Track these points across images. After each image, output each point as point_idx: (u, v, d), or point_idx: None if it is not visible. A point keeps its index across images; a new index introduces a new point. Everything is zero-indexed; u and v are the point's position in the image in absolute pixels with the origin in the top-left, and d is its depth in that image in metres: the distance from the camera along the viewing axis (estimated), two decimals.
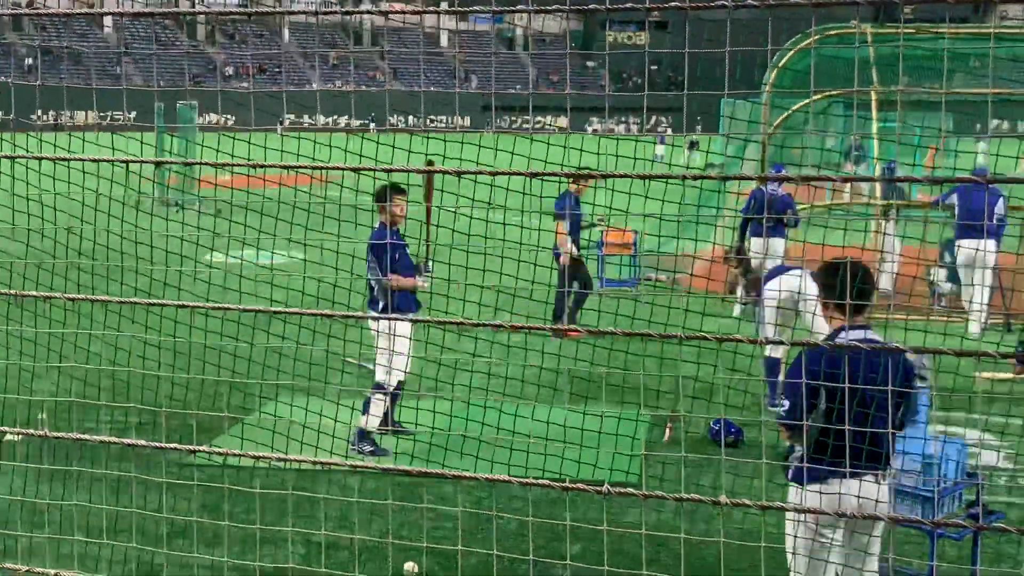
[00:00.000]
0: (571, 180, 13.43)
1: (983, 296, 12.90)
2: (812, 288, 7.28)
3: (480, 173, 4.17)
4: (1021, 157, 13.32)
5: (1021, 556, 6.63)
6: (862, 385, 4.52)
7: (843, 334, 4.89)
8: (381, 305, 8.52)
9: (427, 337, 9.52)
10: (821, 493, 4.76)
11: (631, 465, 8.09)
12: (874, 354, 4.72)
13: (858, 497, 4.76)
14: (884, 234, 14.31)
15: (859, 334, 4.84)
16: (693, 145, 38.54)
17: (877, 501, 4.81)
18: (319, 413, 7.80)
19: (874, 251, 14.11)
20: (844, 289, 4.74)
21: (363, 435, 8.68)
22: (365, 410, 8.67)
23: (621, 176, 3.89)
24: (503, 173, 4.13)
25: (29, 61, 63.11)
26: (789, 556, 5.01)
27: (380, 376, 8.64)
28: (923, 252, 14.30)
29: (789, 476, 5.03)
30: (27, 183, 6.17)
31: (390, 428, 8.84)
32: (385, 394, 8.60)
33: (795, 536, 4.95)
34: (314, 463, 5.45)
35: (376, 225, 8.89)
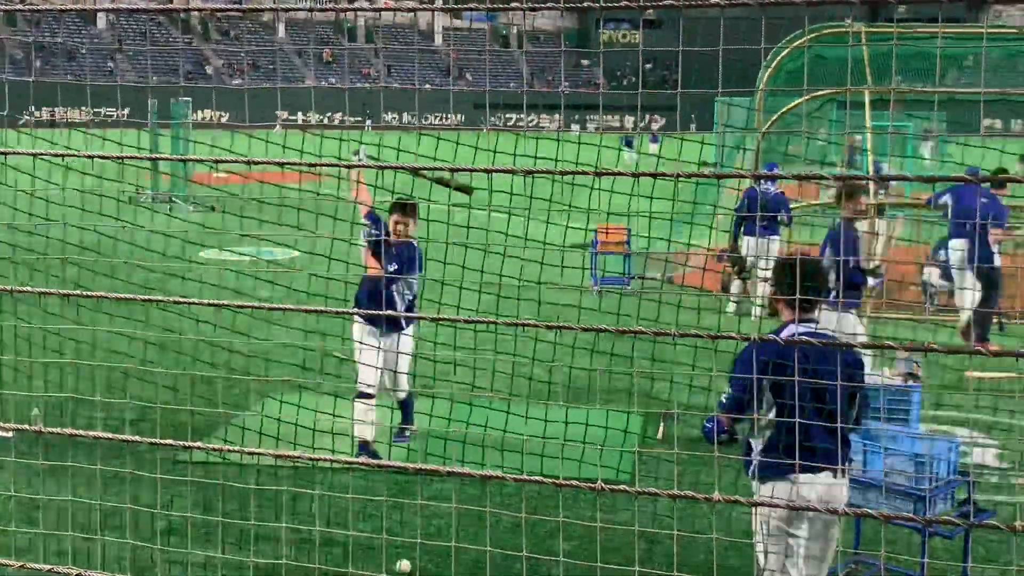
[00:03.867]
0: (992, 185, 12.63)
1: (975, 295, 12.95)
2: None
3: (501, 171, 4.19)
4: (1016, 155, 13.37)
5: (1012, 554, 6.65)
6: (808, 380, 4.62)
7: (790, 328, 5.00)
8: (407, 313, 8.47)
9: (435, 335, 9.52)
10: (776, 489, 4.83)
11: (624, 463, 8.12)
12: (818, 351, 4.82)
13: (829, 488, 4.83)
14: (876, 234, 14.35)
15: (806, 329, 4.96)
16: (655, 139, 38.20)
17: (830, 493, 4.87)
18: (313, 411, 7.81)
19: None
20: (794, 286, 4.86)
21: (360, 447, 8.53)
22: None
23: (616, 174, 3.90)
24: (497, 171, 4.15)
25: (37, 65, 63.07)
26: (760, 557, 5.04)
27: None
28: (915, 251, 14.34)
29: (748, 473, 5.10)
30: (14, 183, 6.18)
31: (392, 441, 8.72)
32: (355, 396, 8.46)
33: (764, 537, 5.00)
34: (309, 460, 5.48)
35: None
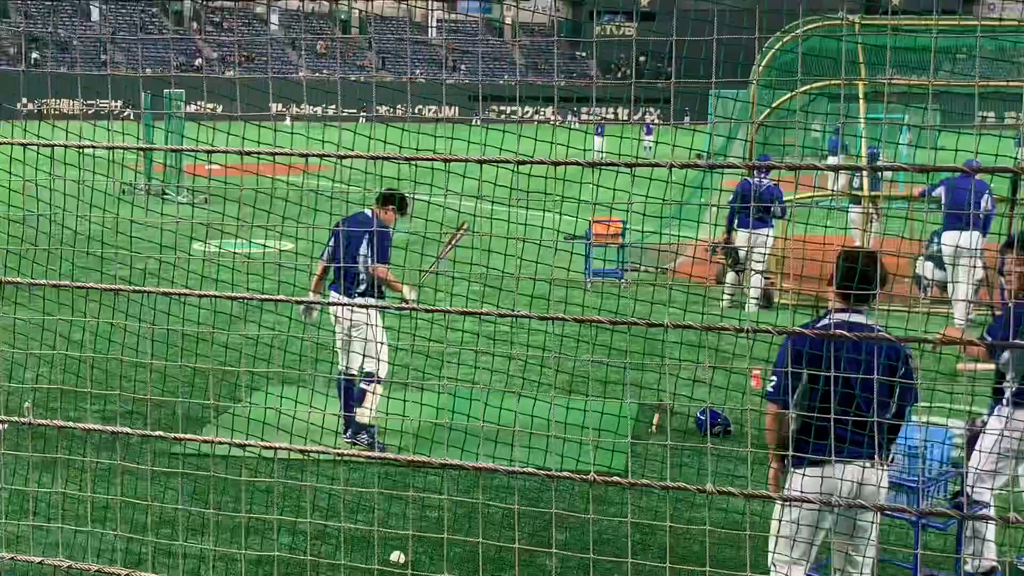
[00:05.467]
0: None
1: (968, 287, 12.95)
2: None
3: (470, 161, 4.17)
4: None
5: (1004, 545, 6.66)
6: (845, 370, 4.60)
7: (828, 317, 5.01)
8: (363, 288, 8.46)
9: (414, 328, 9.51)
10: (805, 476, 4.82)
11: (617, 455, 8.11)
12: (862, 341, 4.78)
13: (841, 480, 4.81)
14: (870, 224, 14.37)
15: (842, 316, 4.95)
16: (649, 130, 37.90)
17: (862, 484, 4.85)
18: (306, 403, 7.79)
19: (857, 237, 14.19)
20: (850, 278, 4.92)
21: (360, 426, 8.60)
22: (359, 402, 8.59)
23: (607, 165, 3.89)
24: (489, 161, 4.13)
25: (37, 56, 62.94)
26: (771, 539, 5.04)
27: (370, 366, 8.57)
28: (908, 244, 14.34)
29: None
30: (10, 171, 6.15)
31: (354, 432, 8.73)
32: (378, 381, 8.55)
33: (780, 520, 4.99)
34: (300, 452, 5.46)
35: (367, 211, 8.78)
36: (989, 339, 6.12)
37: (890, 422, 4.95)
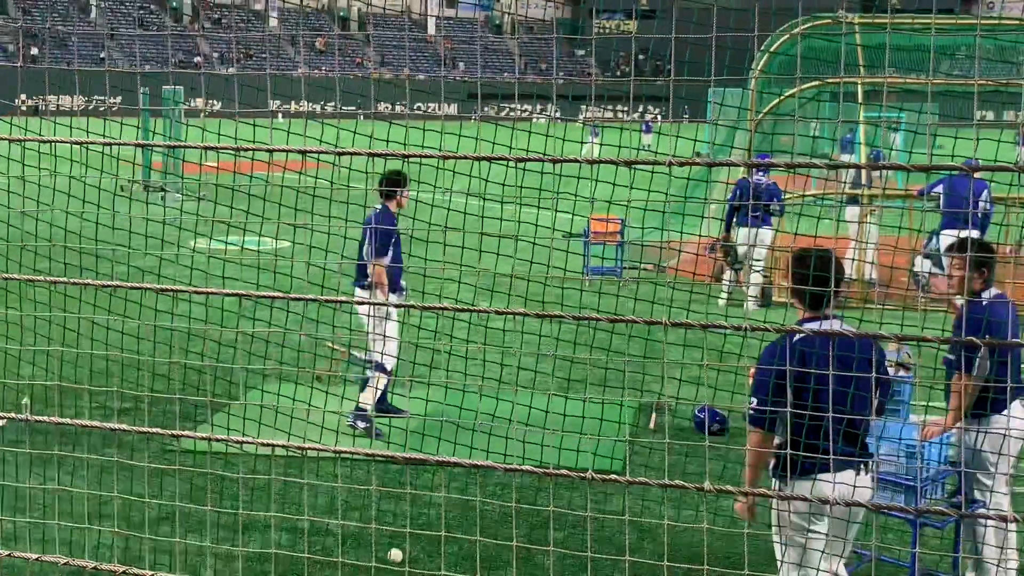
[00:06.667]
0: None
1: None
2: None
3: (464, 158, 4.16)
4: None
5: (1003, 544, 6.65)
6: (836, 383, 4.47)
7: (808, 327, 4.75)
8: (368, 282, 8.56)
9: (409, 319, 9.50)
10: (798, 486, 4.77)
11: (616, 453, 8.11)
12: (843, 346, 4.71)
13: (835, 484, 4.77)
14: (868, 223, 14.37)
15: (834, 325, 4.78)
16: (648, 128, 37.88)
17: (855, 487, 4.82)
18: (304, 400, 7.78)
19: (853, 240, 14.18)
20: (812, 280, 4.70)
21: (359, 412, 8.74)
22: (363, 388, 8.74)
23: (607, 162, 3.88)
24: (486, 159, 4.12)
25: (35, 52, 62.96)
26: (777, 550, 4.99)
27: (378, 357, 8.69)
28: (904, 241, 14.34)
29: (770, 472, 4.98)
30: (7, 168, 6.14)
31: (382, 414, 8.84)
32: (386, 374, 8.69)
33: (780, 528, 4.93)
34: (298, 449, 5.45)
35: (378, 206, 8.83)
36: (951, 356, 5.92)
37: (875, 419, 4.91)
